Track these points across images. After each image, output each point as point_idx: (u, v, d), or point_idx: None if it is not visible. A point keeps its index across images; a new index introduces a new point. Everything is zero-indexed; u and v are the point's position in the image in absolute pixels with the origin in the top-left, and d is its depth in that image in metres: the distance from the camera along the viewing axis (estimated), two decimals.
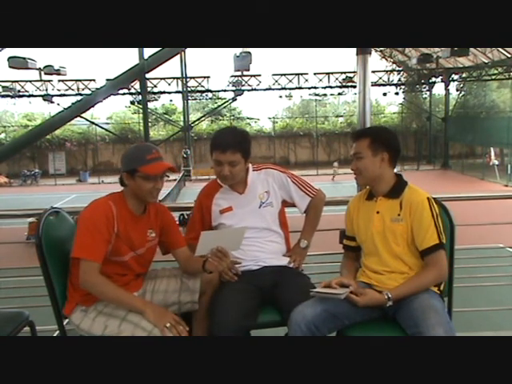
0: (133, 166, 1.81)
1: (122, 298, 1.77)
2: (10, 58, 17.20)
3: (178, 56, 21.75)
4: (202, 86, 24.17)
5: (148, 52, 14.85)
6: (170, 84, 23.83)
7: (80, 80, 23.16)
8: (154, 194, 1.86)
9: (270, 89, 23.99)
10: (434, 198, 1.91)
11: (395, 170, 1.96)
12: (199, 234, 2.14)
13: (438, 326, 1.60)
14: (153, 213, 1.97)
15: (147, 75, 16.33)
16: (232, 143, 2.01)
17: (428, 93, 28.00)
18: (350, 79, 23.28)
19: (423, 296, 1.76)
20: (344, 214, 2.09)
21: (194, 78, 24.18)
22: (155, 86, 23.56)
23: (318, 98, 28.78)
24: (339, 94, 26.01)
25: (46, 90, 22.90)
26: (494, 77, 23.56)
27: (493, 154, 23.23)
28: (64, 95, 22.89)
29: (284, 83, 23.95)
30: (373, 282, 1.88)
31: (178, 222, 2.23)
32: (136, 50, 14.99)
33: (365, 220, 1.94)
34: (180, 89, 24.28)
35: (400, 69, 26.19)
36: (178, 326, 1.69)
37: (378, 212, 1.89)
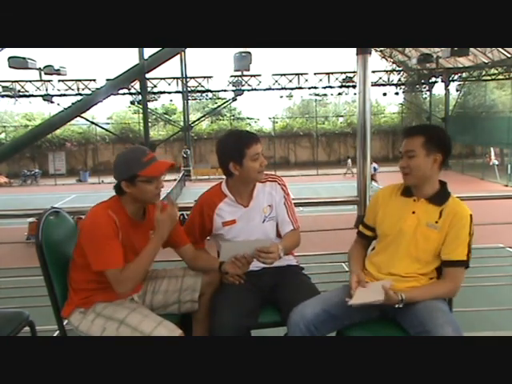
0: (132, 171, 1.75)
1: (145, 261, 1.78)
2: (10, 57, 17.21)
3: (178, 56, 21.74)
4: (202, 86, 24.14)
5: (148, 52, 14.85)
6: (170, 84, 23.79)
7: (80, 80, 23.11)
8: (158, 195, 1.84)
9: (270, 89, 23.94)
10: None
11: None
12: (198, 239, 2.14)
13: (447, 325, 1.61)
14: (152, 213, 1.94)
15: (147, 75, 16.31)
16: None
17: (428, 93, 27.96)
18: (350, 79, 23.26)
19: None
20: (367, 208, 2.04)
21: (194, 77, 24.17)
22: (155, 86, 23.52)
23: (318, 97, 28.74)
24: (339, 94, 25.97)
25: (46, 89, 22.86)
26: (493, 77, 23.53)
27: (493, 154, 23.22)
28: (64, 95, 22.85)
29: (284, 83, 23.90)
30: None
31: None
32: (136, 50, 14.99)
33: (394, 215, 1.88)
34: (180, 89, 24.25)
35: (400, 69, 26.16)
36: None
37: (413, 212, 1.84)
